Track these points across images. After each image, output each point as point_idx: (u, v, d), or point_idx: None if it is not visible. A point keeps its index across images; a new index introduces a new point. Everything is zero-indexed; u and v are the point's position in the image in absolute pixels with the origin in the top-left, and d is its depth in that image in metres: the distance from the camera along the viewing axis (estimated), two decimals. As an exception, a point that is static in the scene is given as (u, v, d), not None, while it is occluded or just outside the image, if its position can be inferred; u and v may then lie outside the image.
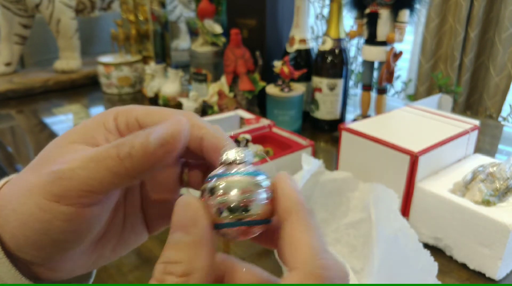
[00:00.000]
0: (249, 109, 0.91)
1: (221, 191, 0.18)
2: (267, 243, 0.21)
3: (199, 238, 0.17)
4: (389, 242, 0.45)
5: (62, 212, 0.19)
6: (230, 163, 0.20)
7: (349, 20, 0.84)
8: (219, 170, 0.19)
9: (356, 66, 1.69)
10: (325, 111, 0.88)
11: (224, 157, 0.20)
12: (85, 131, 0.21)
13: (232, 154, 0.20)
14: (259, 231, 0.20)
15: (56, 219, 0.19)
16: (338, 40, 0.84)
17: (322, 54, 0.85)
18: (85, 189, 0.19)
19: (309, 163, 0.52)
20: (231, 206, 0.18)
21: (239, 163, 0.20)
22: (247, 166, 0.20)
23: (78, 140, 0.21)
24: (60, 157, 0.20)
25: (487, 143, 0.87)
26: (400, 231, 0.46)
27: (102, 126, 0.22)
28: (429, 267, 0.44)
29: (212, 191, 0.19)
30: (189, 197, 0.18)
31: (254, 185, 0.19)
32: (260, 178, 0.19)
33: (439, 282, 0.44)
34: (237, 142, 0.65)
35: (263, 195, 0.19)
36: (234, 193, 0.18)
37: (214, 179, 0.19)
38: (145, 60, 1.25)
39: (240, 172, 0.19)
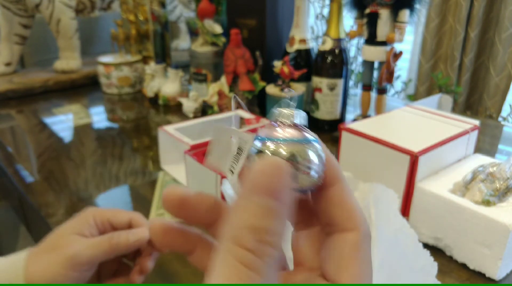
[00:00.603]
0: (249, 109, 0.91)
1: (300, 159, 0.18)
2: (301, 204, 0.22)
3: (290, 207, 0.17)
4: (389, 242, 0.45)
5: (72, 276, 0.34)
6: (291, 126, 0.19)
7: (349, 20, 0.84)
8: (290, 135, 0.19)
9: (356, 66, 1.69)
10: (325, 111, 0.87)
11: (285, 117, 0.19)
12: (77, 226, 0.36)
13: (293, 116, 0.19)
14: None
15: (68, 281, 0.34)
16: (338, 40, 0.84)
17: (322, 54, 0.85)
18: (87, 262, 0.34)
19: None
20: (312, 172, 0.18)
21: (293, 126, 0.19)
22: (302, 130, 0.19)
23: (74, 232, 0.36)
24: (69, 243, 0.35)
25: (487, 143, 0.87)
26: (400, 231, 0.46)
27: (86, 223, 0.36)
28: (429, 267, 0.44)
29: (294, 157, 0.18)
30: (277, 159, 0.17)
31: (320, 150, 0.19)
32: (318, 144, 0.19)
33: (439, 282, 0.44)
34: None
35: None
36: (314, 159, 0.18)
37: (291, 143, 0.18)
38: (145, 60, 1.25)
39: (314, 139, 0.19)
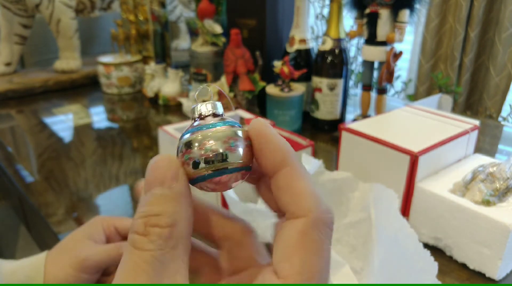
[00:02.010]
0: (249, 109, 0.91)
1: (197, 144, 0.18)
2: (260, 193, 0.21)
3: (181, 191, 0.18)
4: (389, 242, 0.45)
5: (82, 278, 0.39)
6: (202, 118, 0.19)
7: (349, 20, 0.84)
8: (192, 125, 0.19)
9: (356, 66, 1.69)
10: (325, 111, 0.87)
11: (196, 111, 0.20)
12: (88, 231, 0.42)
13: (202, 108, 0.19)
14: (238, 181, 0.19)
15: (78, 281, 0.39)
16: (338, 40, 0.84)
17: (322, 54, 0.85)
18: (95, 266, 0.39)
19: (309, 163, 0.52)
20: (208, 157, 0.18)
21: (210, 116, 0.19)
22: (219, 117, 0.19)
23: (86, 237, 0.41)
24: (80, 248, 0.40)
25: (487, 143, 0.87)
26: (400, 231, 0.46)
27: (96, 228, 0.42)
28: (429, 267, 0.44)
29: (188, 145, 0.18)
30: (165, 154, 0.18)
31: (230, 134, 0.18)
32: (235, 127, 0.19)
33: (439, 282, 0.44)
34: None
35: (241, 142, 0.19)
36: (211, 143, 0.18)
37: (189, 134, 0.18)
38: (145, 60, 1.25)
39: (214, 124, 0.19)
